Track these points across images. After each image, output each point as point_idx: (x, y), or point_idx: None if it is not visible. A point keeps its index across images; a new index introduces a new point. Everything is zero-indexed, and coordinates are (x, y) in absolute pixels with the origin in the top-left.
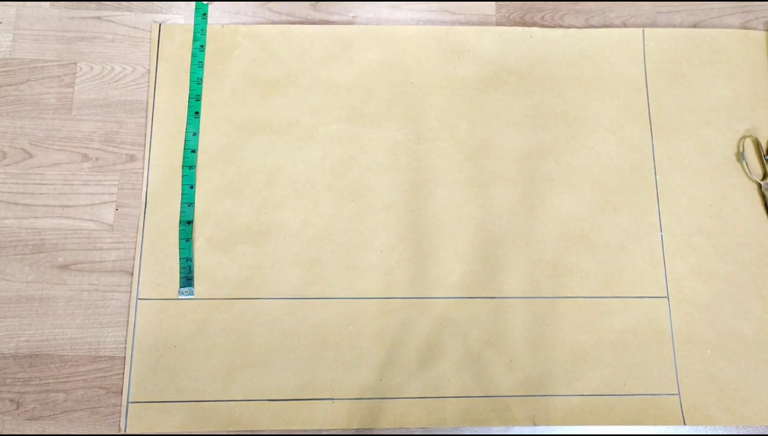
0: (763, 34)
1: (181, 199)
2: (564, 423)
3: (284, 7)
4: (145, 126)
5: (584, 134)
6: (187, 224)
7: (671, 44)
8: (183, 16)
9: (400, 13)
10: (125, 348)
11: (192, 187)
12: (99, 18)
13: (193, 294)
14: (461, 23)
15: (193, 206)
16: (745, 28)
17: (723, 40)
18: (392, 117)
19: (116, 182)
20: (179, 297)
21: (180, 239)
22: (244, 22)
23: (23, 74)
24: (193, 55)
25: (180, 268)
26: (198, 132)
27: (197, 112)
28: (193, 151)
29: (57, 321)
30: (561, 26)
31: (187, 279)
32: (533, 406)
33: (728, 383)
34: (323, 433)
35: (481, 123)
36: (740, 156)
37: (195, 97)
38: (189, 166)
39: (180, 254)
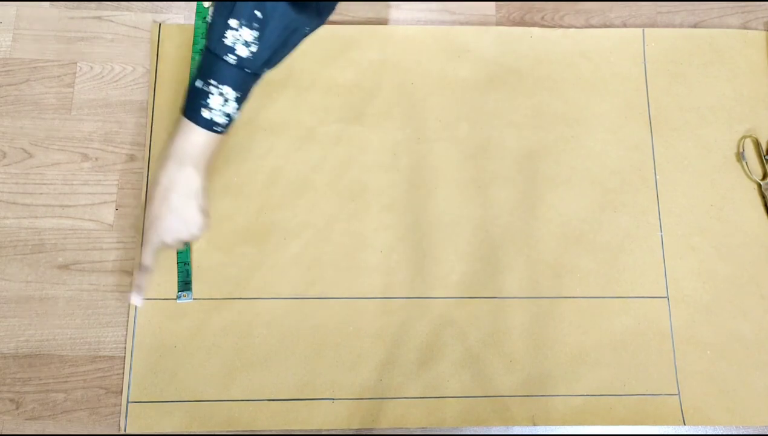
0: (763, 34)
1: None
2: (564, 423)
3: None
4: (145, 126)
5: (584, 134)
6: None
7: (671, 44)
8: (183, 16)
9: (400, 13)
10: (125, 348)
11: None
12: (99, 18)
13: (191, 299)
14: (461, 23)
15: None
16: (745, 28)
17: (723, 40)
18: (392, 117)
19: (116, 182)
20: (178, 301)
21: None
22: None
23: (23, 74)
24: (193, 60)
25: (177, 272)
26: None
27: None
28: None
29: (57, 321)
30: (561, 26)
31: (184, 284)
32: (533, 406)
33: (728, 384)
34: (323, 433)
35: (481, 123)
36: (740, 156)
37: None
38: None
39: (177, 258)
